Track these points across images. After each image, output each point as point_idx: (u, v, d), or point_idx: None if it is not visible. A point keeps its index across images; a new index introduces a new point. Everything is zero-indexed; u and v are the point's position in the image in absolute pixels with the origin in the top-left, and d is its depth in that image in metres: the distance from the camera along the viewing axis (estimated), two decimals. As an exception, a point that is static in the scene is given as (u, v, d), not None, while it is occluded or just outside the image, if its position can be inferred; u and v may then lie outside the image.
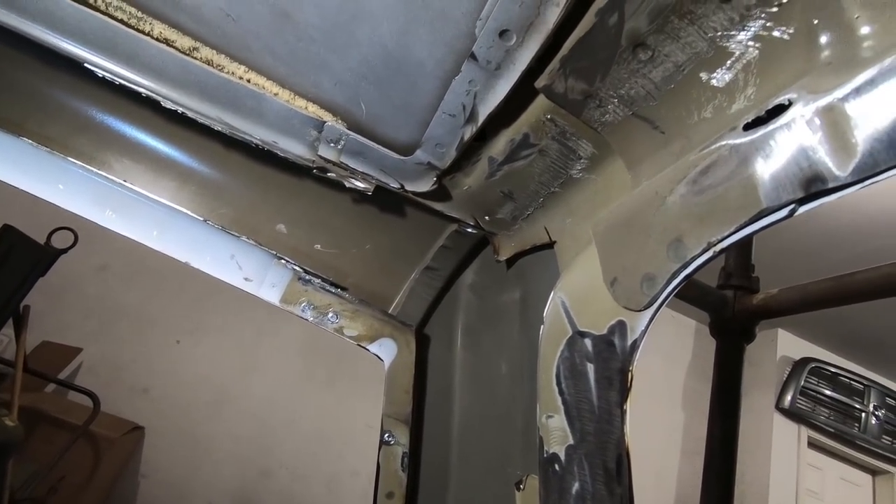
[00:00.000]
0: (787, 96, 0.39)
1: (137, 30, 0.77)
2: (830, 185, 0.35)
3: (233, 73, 0.80)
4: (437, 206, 0.89)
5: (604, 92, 0.56)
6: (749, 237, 0.41)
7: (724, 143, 0.43)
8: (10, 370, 2.40)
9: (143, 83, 0.79)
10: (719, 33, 0.46)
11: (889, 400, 4.97)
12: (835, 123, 0.35)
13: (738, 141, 0.42)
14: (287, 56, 0.77)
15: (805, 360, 4.91)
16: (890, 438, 4.90)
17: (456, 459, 1.00)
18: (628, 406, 0.53)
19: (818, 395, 4.89)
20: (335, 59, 0.73)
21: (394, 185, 0.84)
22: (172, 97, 0.80)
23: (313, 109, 0.82)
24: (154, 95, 0.80)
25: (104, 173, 0.90)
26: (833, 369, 4.93)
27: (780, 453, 4.79)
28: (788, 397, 4.85)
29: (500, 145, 0.74)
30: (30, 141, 0.87)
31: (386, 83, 0.74)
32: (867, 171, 0.33)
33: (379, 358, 0.98)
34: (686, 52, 0.48)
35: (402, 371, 0.97)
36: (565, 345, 0.62)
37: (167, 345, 3.60)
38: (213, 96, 0.80)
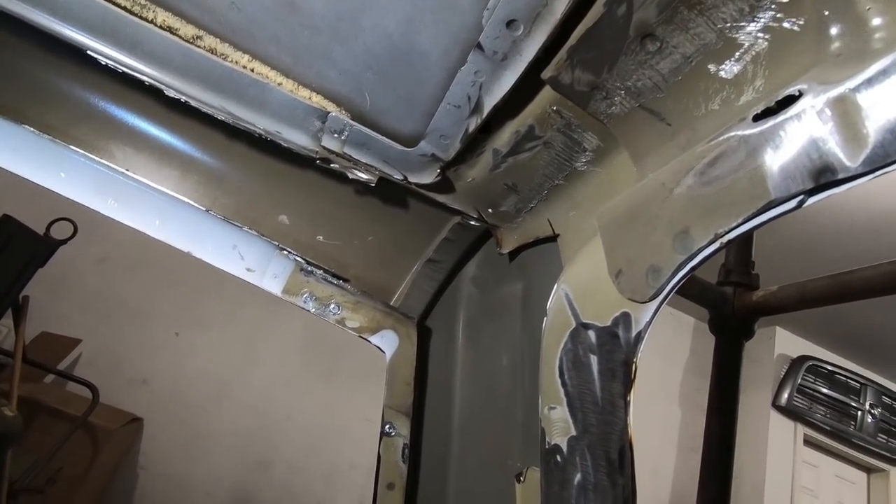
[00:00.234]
0: (798, 87, 0.39)
1: (140, 17, 0.77)
2: (840, 175, 0.35)
3: (236, 62, 0.80)
4: (441, 198, 0.89)
5: (611, 83, 0.56)
6: (756, 228, 0.41)
7: (732, 133, 0.43)
8: (9, 360, 2.41)
9: (145, 71, 0.79)
10: (728, 24, 0.46)
11: (885, 398, 5.00)
12: (846, 114, 0.35)
13: (747, 132, 0.42)
14: (291, 45, 0.76)
15: (802, 358, 4.93)
16: (885, 437, 4.93)
17: (456, 451, 1.01)
18: (632, 397, 0.53)
19: (815, 393, 4.91)
20: (340, 48, 0.73)
21: (397, 176, 0.84)
22: (175, 86, 0.80)
23: (317, 100, 0.81)
24: (157, 84, 0.79)
25: (106, 162, 0.89)
26: (830, 367, 4.95)
27: (776, 450, 4.82)
28: (785, 395, 4.87)
29: (504, 137, 0.73)
30: (31, 129, 0.86)
31: (391, 74, 0.73)
32: (878, 161, 0.33)
33: (380, 350, 0.98)
34: (695, 43, 0.48)
35: (404, 363, 0.97)
36: (569, 336, 0.62)
37: (166, 337, 3.60)
38: (216, 85, 0.79)
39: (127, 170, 0.90)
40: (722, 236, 0.43)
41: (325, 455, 3.75)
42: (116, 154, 0.91)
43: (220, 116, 0.82)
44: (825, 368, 4.96)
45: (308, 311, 0.95)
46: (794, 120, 0.38)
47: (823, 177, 0.36)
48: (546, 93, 0.64)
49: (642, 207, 0.52)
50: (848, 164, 0.35)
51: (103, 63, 0.78)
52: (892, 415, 5.00)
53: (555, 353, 0.65)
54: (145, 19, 0.77)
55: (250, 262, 0.93)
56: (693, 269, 0.46)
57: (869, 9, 0.38)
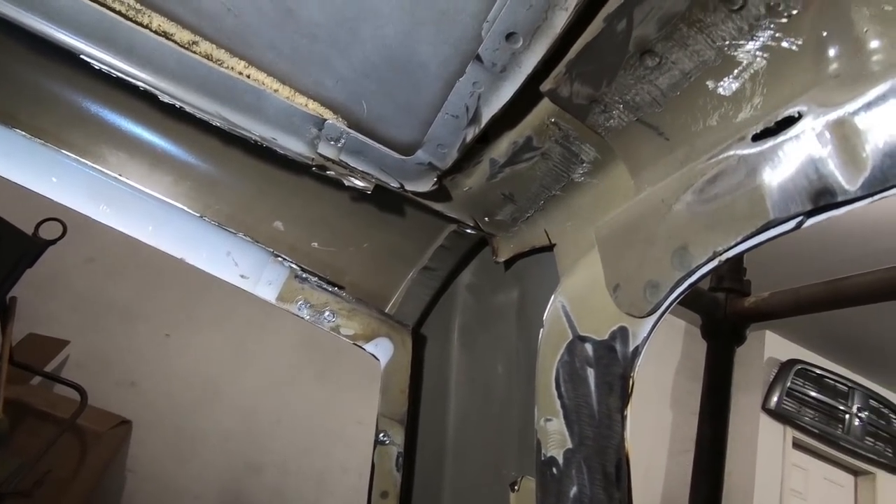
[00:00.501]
0: (797, 108, 0.39)
1: (136, 22, 0.76)
2: (839, 198, 0.36)
3: (232, 68, 0.79)
4: (437, 206, 0.89)
5: (609, 97, 0.56)
6: (755, 247, 0.42)
7: (732, 153, 0.43)
8: (-4, 363, 2.37)
9: (140, 76, 0.78)
10: (728, 42, 0.46)
11: (872, 402, 5.05)
12: (845, 137, 0.35)
13: (746, 151, 0.42)
14: (289, 52, 0.76)
15: (792, 362, 4.97)
16: (872, 440, 4.99)
17: (451, 459, 1.01)
18: (629, 412, 0.53)
19: (804, 397, 4.96)
20: (338, 56, 0.73)
21: (393, 184, 0.84)
22: (170, 91, 0.79)
23: (314, 107, 0.81)
24: (151, 89, 0.78)
25: (99, 167, 0.88)
26: (819, 371, 5.00)
27: (765, 453, 4.86)
28: (775, 398, 4.91)
29: (502, 147, 0.73)
30: (23, 132, 0.85)
31: (389, 82, 0.73)
32: (877, 185, 0.34)
33: (375, 357, 0.97)
34: (694, 60, 0.48)
35: (399, 371, 0.97)
36: (565, 349, 0.62)
37: (156, 338, 3.56)
38: (211, 91, 0.79)
39: (120, 175, 0.88)
40: (721, 254, 0.43)
41: (317, 458, 3.73)
42: (109, 159, 0.90)
43: (216, 122, 0.81)
44: (814, 372, 5.01)
45: (303, 318, 0.95)
46: (793, 141, 0.39)
47: (823, 199, 0.36)
48: (544, 105, 0.64)
49: (641, 222, 0.52)
50: (847, 186, 0.35)
51: (97, 68, 0.77)
52: (880, 418, 5.06)
53: (551, 364, 0.65)
54: (140, 24, 0.76)
55: (244, 269, 0.93)
56: (691, 285, 0.46)
57: (867, 31, 0.38)
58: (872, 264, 1.63)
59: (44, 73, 0.88)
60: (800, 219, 0.38)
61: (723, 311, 1.98)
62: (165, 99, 0.80)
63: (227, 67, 0.79)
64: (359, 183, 0.86)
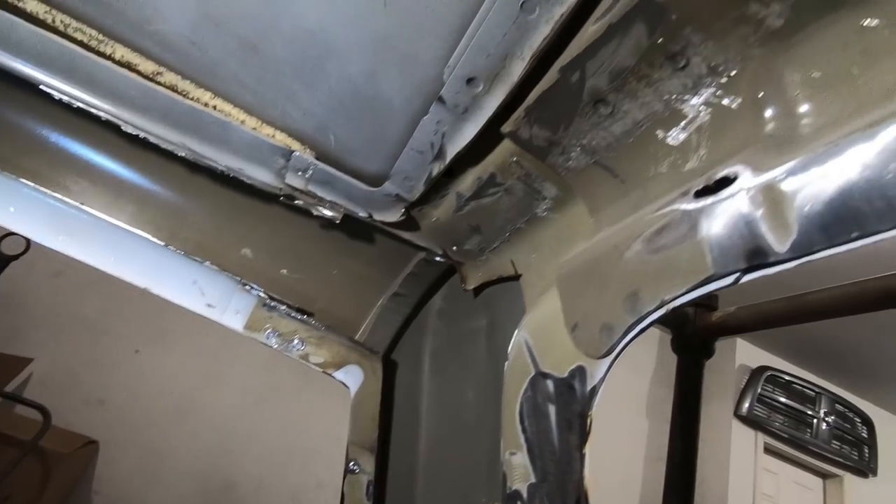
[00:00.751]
0: (734, 169, 0.41)
1: (98, 52, 0.75)
2: (771, 259, 0.38)
3: (198, 98, 0.79)
4: (406, 235, 0.89)
5: (567, 140, 0.58)
6: (701, 297, 0.43)
7: (676, 206, 0.45)
8: (-47, 385, 2.27)
9: (102, 107, 0.77)
10: (674, 96, 0.48)
11: (838, 406, 5.21)
12: (774, 201, 0.37)
13: (689, 206, 0.44)
14: (254, 85, 0.76)
15: (762, 369, 5.10)
16: (839, 443, 5.14)
17: (422, 486, 1.00)
18: (588, 450, 0.54)
19: (774, 403, 5.08)
20: (304, 91, 0.73)
21: (362, 214, 0.84)
22: (134, 122, 0.78)
23: (281, 138, 0.81)
24: (114, 119, 0.77)
25: (59, 195, 0.86)
26: (788, 377, 5.14)
27: (738, 459, 4.96)
28: (746, 404, 5.02)
29: (467, 182, 0.75)
30: (-22, 161, 0.83)
31: (355, 117, 0.74)
32: (803, 249, 0.36)
33: (345, 385, 0.97)
34: (644, 110, 0.50)
35: (369, 398, 0.97)
36: (528, 384, 0.63)
37: (125, 354, 3.46)
38: (176, 122, 0.78)
39: (81, 204, 0.87)
40: (668, 303, 0.45)
41: (292, 474, 3.67)
42: (71, 187, 0.88)
43: (181, 153, 0.80)
44: (783, 378, 5.14)
45: (271, 346, 0.94)
46: (729, 201, 0.41)
47: (756, 259, 0.38)
48: (507, 144, 0.66)
49: (597, 266, 0.54)
50: (777, 248, 0.37)
51: (57, 98, 0.76)
52: (845, 422, 5.22)
53: (515, 398, 0.66)
54: (103, 54, 0.75)
55: (211, 298, 0.91)
56: (642, 330, 0.48)
57: (798, 94, 0.40)
58: (842, 276, 1.69)
59: (1, 100, 0.85)
60: (737, 275, 0.40)
61: (692, 326, 2.03)
62: (129, 129, 0.78)
63: (193, 98, 0.78)
64: (327, 212, 0.86)
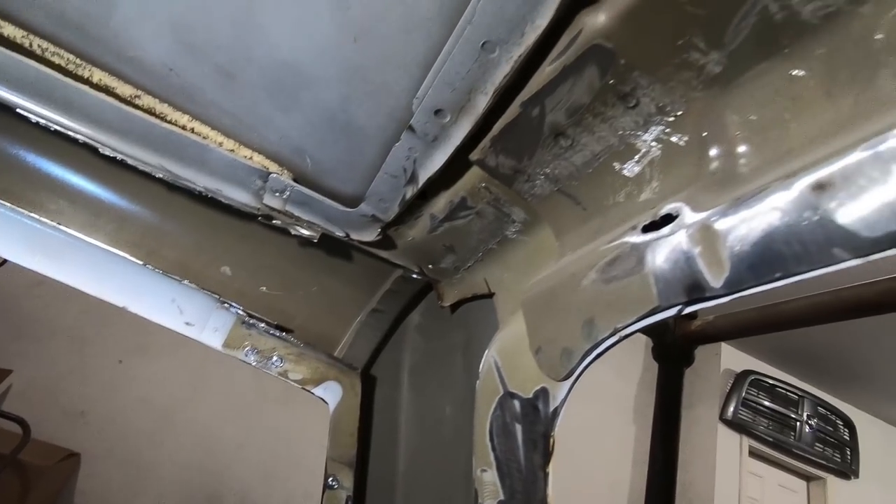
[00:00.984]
0: (676, 206, 0.44)
1: (76, 76, 0.76)
2: (707, 294, 0.40)
3: (176, 121, 0.80)
4: (383, 253, 0.91)
5: (531, 169, 0.60)
6: (651, 325, 0.46)
7: (626, 240, 0.47)
8: (-71, 399, 2.23)
9: (80, 130, 0.77)
10: (628, 132, 0.50)
11: (820, 409, 5.29)
12: (709, 240, 0.40)
13: (637, 240, 0.46)
14: (232, 109, 0.77)
15: (746, 373, 5.17)
16: (822, 446, 5.21)
17: (401, 501, 1.01)
18: (551, 469, 0.56)
19: (758, 406, 5.14)
20: (280, 117, 0.75)
21: (339, 233, 0.86)
22: (111, 144, 0.79)
23: (259, 159, 0.82)
24: (91, 142, 0.78)
25: (35, 215, 0.86)
26: (771, 381, 5.21)
27: (724, 463, 5.01)
28: (731, 408, 5.08)
29: (440, 205, 0.77)
30: (-47, 182, 0.83)
31: (331, 142, 0.75)
32: (735, 286, 0.38)
33: (324, 401, 0.98)
34: (601, 143, 0.53)
35: (347, 414, 0.98)
36: (497, 403, 0.65)
37: (108, 365, 3.42)
38: (154, 145, 0.79)
39: (58, 223, 0.87)
40: (620, 331, 0.47)
41: (279, 485, 3.64)
42: (48, 207, 0.89)
43: (159, 174, 0.81)
44: (767, 382, 5.21)
45: (250, 364, 0.95)
46: (672, 237, 0.43)
47: (694, 293, 0.41)
48: (475, 170, 0.68)
49: (557, 293, 0.56)
50: (713, 284, 0.40)
51: (34, 121, 0.76)
52: (827, 424, 5.30)
53: (486, 416, 0.68)
54: (80, 78, 0.76)
55: (189, 316, 0.92)
56: (598, 355, 0.50)
57: (738, 135, 0.43)
58: (811, 286, 1.74)
59: (-22, 121, 0.86)
60: (680, 307, 0.42)
61: (672, 334, 2.07)
62: (106, 151, 0.79)
63: (171, 121, 0.79)
64: (305, 232, 0.87)
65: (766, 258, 0.35)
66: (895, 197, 0.29)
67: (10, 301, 3.23)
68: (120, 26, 0.71)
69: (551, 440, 0.56)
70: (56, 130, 0.78)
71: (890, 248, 0.29)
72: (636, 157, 0.51)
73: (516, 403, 0.61)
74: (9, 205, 0.86)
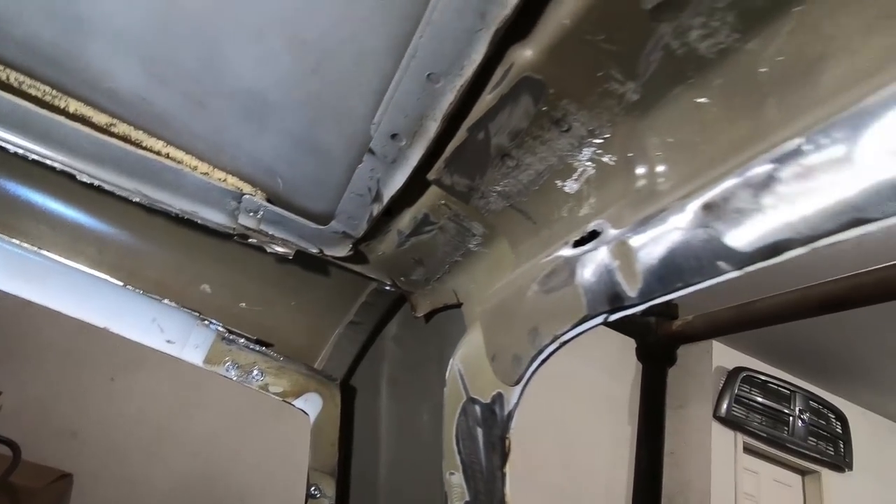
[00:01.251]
0: (600, 223, 0.48)
1: (52, 107, 0.79)
2: (626, 304, 0.44)
3: (151, 147, 0.83)
4: (356, 268, 0.94)
5: (484, 187, 0.64)
6: (586, 331, 0.49)
7: (560, 254, 0.51)
8: (-83, 424, 2.22)
9: (57, 158, 0.81)
10: (565, 152, 0.54)
11: (812, 403, 5.35)
12: (625, 254, 0.44)
13: (568, 254, 0.50)
14: (203, 135, 0.81)
15: (738, 370, 5.21)
16: (815, 440, 5.26)
17: (382, 507, 1.04)
18: (508, 469, 0.59)
19: (751, 402, 5.18)
20: (249, 141, 0.78)
21: (313, 250, 0.89)
22: (88, 171, 0.82)
23: (232, 181, 0.86)
24: (69, 170, 0.81)
25: (17, 241, 0.89)
26: (763, 377, 5.26)
27: (719, 460, 5.04)
28: (724, 406, 5.12)
29: (405, 221, 0.80)
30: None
31: (299, 163, 0.79)
32: (648, 295, 0.42)
33: (304, 412, 1.01)
34: (543, 163, 0.57)
35: (328, 424, 1.01)
36: (461, 409, 0.68)
37: (100, 383, 3.41)
38: (130, 171, 0.82)
39: (39, 248, 0.90)
40: (559, 337, 0.51)
41: (273, 497, 3.63)
42: (29, 232, 0.92)
43: (135, 199, 0.85)
44: (759, 378, 5.26)
45: (231, 379, 0.97)
46: (596, 252, 0.47)
47: (615, 303, 0.45)
48: (434, 189, 0.72)
49: (508, 303, 0.60)
50: (630, 294, 0.43)
51: (11, 151, 0.79)
52: (820, 418, 5.36)
53: (452, 421, 0.71)
54: (57, 108, 0.79)
55: (170, 335, 0.95)
56: (543, 361, 0.54)
57: (658, 155, 0.47)
58: (799, 278, 1.78)
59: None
60: (605, 315, 0.46)
61: (655, 334, 2.11)
62: (84, 178, 0.82)
63: (146, 147, 0.83)
64: (280, 249, 0.91)
65: (670, 271, 0.39)
66: (761, 217, 0.33)
67: (0, 320, 3.22)
68: (93, 60, 0.74)
69: (507, 442, 0.59)
70: (34, 159, 0.81)
71: (762, 260, 0.33)
72: (574, 176, 0.55)
73: (477, 408, 0.65)
74: (-10, 232, 0.88)
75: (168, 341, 0.95)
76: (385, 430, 1.07)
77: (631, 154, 0.49)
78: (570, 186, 0.56)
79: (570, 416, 4.80)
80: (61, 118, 0.78)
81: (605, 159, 0.51)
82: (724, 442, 5.08)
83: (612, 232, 0.46)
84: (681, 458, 5.12)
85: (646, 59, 0.42)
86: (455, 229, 0.76)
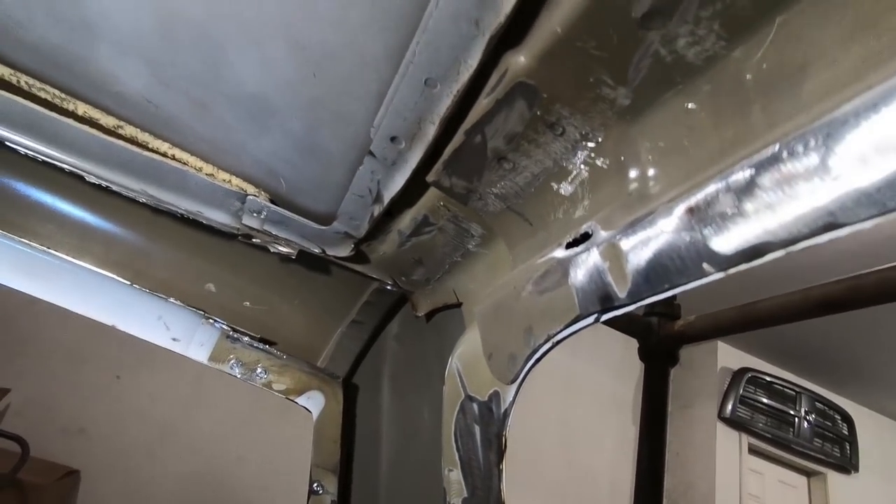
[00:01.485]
0: (591, 225, 0.49)
1: (61, 109, 0.81)
2: (616, 304, 0.45)
3: (157, 148, 0.85)
4: (358, 267, 0.96)
5: (482, 189, 0.65)
6: (578, 331, 0.50)
7: (553, 255, 0.52)
8: (-72, 420, 2.26)
9: (66, 160, 0.83)
10: (560, 156, 0.56)
11: (818, 405, 5.32)
12: (615, 256, 0.45)
13: (561, 256, 0.51)
14: (209, 136, 0.82)
15: (743, 371, 5.19)
16: (821, 441, 5.23)
17: (384, 503, 1.06)
18: (504, 466, 0.61)
19: (756, 403, 5.16)
20: (252, 143, 0.80)
21: (315, 250, 0.91)
22: (96, 173, 0.84)
23: (237, 182, 0.87)
24: (78, 171, 0.83)
25: (25, 240, 0.91)
26: (768, 378, 5.23)
27: (724, 461, 5.03)
28: (729, 406, 5.10)
29: (405, 222, 0.82)
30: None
31: (301, 165, 0.81)
32: (637, 296, 0.43)
33: (307, 410, 1.03)
34: (538, 166, 0.58)
35: (330, 421, 1.02)
36: (459, 406, 0.70)
37: (106, 381, 3.45)
38: (136, 172, 0.84)
39: (48, 248, 0.92)
40: (553, 337, 0.52)
41: (280, 496, 3.66)
42: (38, 231, 0.94)
43: (142, 199, 0.86)
44: (764, 379, 5.23)
45: (235, 376, 0.99)
46: (587, 253, 0.48)
47: (606, 303, 0.46)
48: (434, 190, 0.73)
49: (504, 303, 0.61)
50: (620, 295, 0.44)
51: (22, 153, 0.81)
52: (825, 419, 5.32)
53: (451, 419, 0.72)
54: (65, 111, 0.81)
55: (176, 332, 0.97)
56: (538, 360, 0.55)
57: (649, 158, 0.48)
58: (801, 278, 1.78)
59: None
60: (596, 315, 0.47)
61: (657, 335, 2.11)
62: (92, 179, 0.84)
63: (152, 148, 0.84)
64: (283, 249, 0.92)
65: (657, 272, 0.40)
66: (743, 221, 0.34)
67: (7, 319, 3.27)
68: (101, 64, 0.76)
69: (503, 439, 0.60)
70: (44, 161, 0.83)
71: (743, 262, 0.34)
72: (569, 178, 0.56)
73: (475, 406, 0.66)
74: (0, 231, 0.90)
75: (173, 339, 0.97)
76: (386, 427, 1.09)
77: (623, 158, 0.50)
78: (566, 189, 0.57)
79: (575, 416, 4.80)
80: (70, 121, 0.80)
81: (598, 162, 0.53)
82: (729, 443, 5.06)
83: (603, 234, 0.47)
84: (685, 458, 5.11)
85: (636, 65, 0.44)
86: (454, 230, 0.77)
